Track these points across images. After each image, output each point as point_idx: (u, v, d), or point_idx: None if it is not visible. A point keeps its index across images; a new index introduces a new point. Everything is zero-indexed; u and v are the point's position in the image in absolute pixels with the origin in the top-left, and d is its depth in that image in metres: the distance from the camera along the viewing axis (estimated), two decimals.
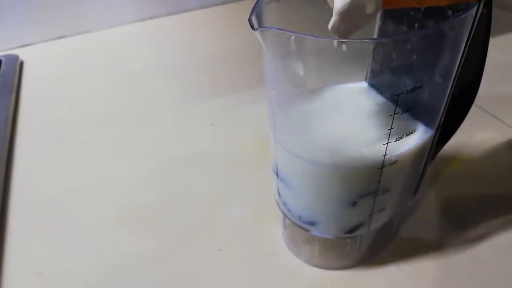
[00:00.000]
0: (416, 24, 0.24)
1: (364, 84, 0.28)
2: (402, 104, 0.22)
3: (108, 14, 0.61)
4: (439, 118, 0.25)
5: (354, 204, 0.25)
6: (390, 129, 0.22)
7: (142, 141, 0.42)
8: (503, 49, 0.53)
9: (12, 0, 0.56)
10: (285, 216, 0.29)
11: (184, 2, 0.64)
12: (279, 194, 0.29)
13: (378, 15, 0.27)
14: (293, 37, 0.20)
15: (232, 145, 0.41)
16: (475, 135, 0.40)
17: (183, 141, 0.42)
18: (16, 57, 0.55)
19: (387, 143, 0.22)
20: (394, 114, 0.21)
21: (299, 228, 0.28)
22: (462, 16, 0.20)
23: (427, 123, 0.24)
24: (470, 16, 0.21)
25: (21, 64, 0.55)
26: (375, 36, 0.28)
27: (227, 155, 0.40)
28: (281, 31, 0.20)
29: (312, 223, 0.27)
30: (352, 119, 0.25)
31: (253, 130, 0.42)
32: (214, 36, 0.60)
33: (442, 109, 0.25)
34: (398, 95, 0.21)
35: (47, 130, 0.44)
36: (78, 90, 0.50)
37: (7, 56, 0.55)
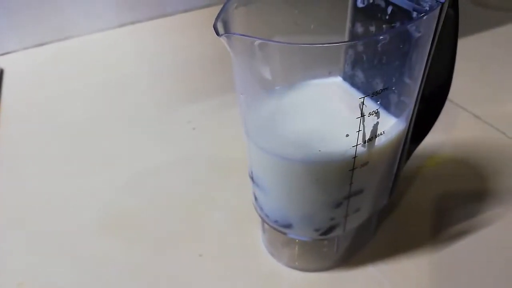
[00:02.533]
0: (384, 26, 0.25)
1: (339, 80, 0.28)
2: (371, 105, 0.22)
3: (88, 20, 0.60)
4: (409, 119, 0.25)
5: (327, 205, 0.25)
6: (358, 131, 0.22)
7: (123, 147, 0.42)
8: (483, 47, 0.54)
9: None
10: (263, 220, 0.29)
11: (165, 6, 0.64)
12: (255, 199, 0.29)
13: (348, 18, 0.27)
14: (257, 43, 0.20)
15: (213, 149, 0.41)
16: (453, 133, 0.41)
17: (165, 147, 0.42)
18: None
19: (356, 145, 0.22)
20: (362, 116, 0.21)
21: (277, 231, 0.28)
22: (425, 17, 0.21)
23: (397, 124, 0.24)
24: (434, 17, 0.21)
25: (1, 72, 0.54)
26: (346, 39, 0.28)
27: (209, 159, 0.40)
28: (245, 37, 0.20)
29: (287, 226, 0.27)
30: (322, 117, 0.25)
31: (234, 134, 0.42)
32: (195, 40, 0.60)
33: (412, 110, 0.25)
34: (364, 97, 0.21)
35: (28, 138, 0.44)
36: (58, 97, 0.50)
37: None
